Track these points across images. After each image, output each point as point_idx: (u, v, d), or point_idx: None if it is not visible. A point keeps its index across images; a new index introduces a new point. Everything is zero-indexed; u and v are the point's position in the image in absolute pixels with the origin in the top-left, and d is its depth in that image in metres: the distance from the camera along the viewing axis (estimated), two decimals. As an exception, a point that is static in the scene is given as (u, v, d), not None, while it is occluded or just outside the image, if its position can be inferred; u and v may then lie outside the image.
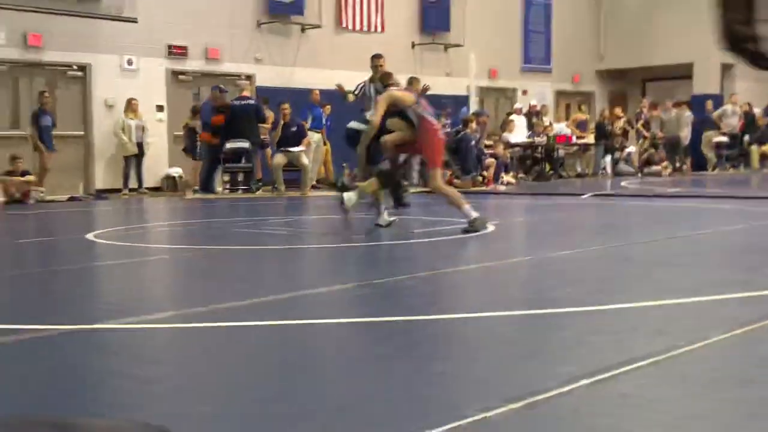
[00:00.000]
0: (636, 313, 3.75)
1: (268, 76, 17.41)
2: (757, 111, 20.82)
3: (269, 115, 15.59)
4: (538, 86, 22.89)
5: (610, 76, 24.66)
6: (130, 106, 14.92)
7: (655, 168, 19.39)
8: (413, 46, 19.58)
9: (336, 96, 13.07)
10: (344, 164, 16.61)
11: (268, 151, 15.42)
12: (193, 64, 16.57)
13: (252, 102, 15.14)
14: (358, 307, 4.17)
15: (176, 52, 16.25)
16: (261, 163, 15.42)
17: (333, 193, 7.48)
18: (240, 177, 15.66)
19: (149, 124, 15.45)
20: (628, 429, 2.24)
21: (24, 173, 13.44)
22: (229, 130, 14.97)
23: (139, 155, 15.06)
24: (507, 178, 16.49)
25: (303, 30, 17.95)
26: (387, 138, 7.50)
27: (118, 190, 14.94)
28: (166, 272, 5.85)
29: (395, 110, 7.54)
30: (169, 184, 15.92)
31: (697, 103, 21.53)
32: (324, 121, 16.61)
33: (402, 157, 7.88)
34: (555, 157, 18.99)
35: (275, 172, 14.85)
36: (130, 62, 15.62)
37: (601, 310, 3.77)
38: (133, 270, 5.76)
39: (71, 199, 13.77)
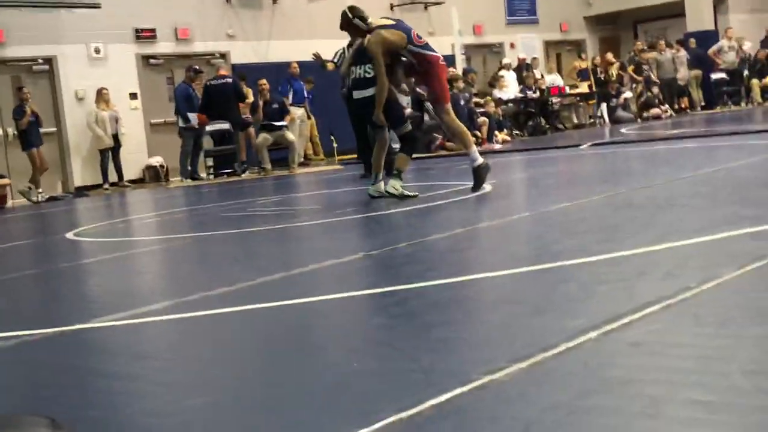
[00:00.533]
0: (644, 257, 3.69)
1: (243, 53, 17.29)
2: (748, 45, 20.66)
3: (247, 92, 15.49)
4: (525, 38, 22.75)
5: (600, 22, 24.52)
6: (101, 97, 14.82)
7: (654, 111, 19.32)
8: (392, 7, 19.45)
9: (316, 67, 13.00)
10: (332, 136, 16.53)
11: (251, 130, 15.31)
12: (164, 46, 16.45)
13: (229, 81, 15.03)
14: (353, 280, 4.11)
15: (144, 35, 16.13)
16: (246, 143, 15.33)
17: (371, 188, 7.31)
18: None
19: (124, 114, 15.35)
20: (641, 378, 2.19)
21: (-2, 176, 13.36)
22: (207, 112, 14.88)
23: (116, 147, 14.97)
24: (502, 136, 16.44)
25: (275, 1, 17.79)
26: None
27: (99, 186, 14.87)
28: (153, 264, 5.80)
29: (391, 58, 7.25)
30: (151, 175, 15.85)
31: (693, 39, 21.40)
32: (306, 95, 16.51)
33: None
34: (550, 110, 18.89)
35: (260, 151, 14.77)
36: (97, 50, 15.51)
37: (608, 259, 3.72)
38: (118, 264, 5.70)
39: (50, 198, 13.71)
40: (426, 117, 13.51)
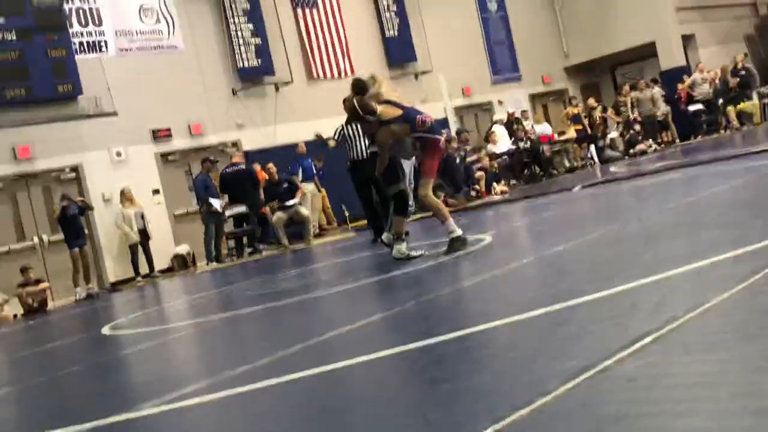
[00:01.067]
0: (634, 292, 3.66)
1: (252, 139, 17.49)
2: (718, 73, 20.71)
3: (267, 172, 15.58)
4: (511, 94, 22.92)
5: (579, 70, 24.71)
6: (125, 196, 14.94)
7: (639, 147, 19.32)
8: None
9: (320, 144, 13.09)
10: (343, 206, 16.60)
11: (266, 209, 15.41)
12: (179, 143, 16.65)
13: (243, 167, 15.16)
14: (366, 344, 4.08)
15: (161, 135, 16.34)
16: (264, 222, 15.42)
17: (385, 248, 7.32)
18: (245, 241, 15.65)
19: (149, 209, 15.46)
20: (637, 412, 2.15)
21: (37, 281, 13.42)
22: (230, 199, 15.04)
23: (145, 241, 15.04)
24: (499, 187, 16.45)
25: (277, 89, 18.05)
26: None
27: (131, 279, 14.91)
28: (184, 349, 5.78)
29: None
30: (179, 263, 15.89)
31: (667, 78, 21.54)
32: (314, 171, 16.63)
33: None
34: (542, 158, 18.93)
35: (277, 229, 14.83)
36: (118, 154, 15.69)
37: (600, 297, 3.68)
38: (152, 353, 5.68)
39: (88, 296, 13.73)
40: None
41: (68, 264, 13.94)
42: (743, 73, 20.19)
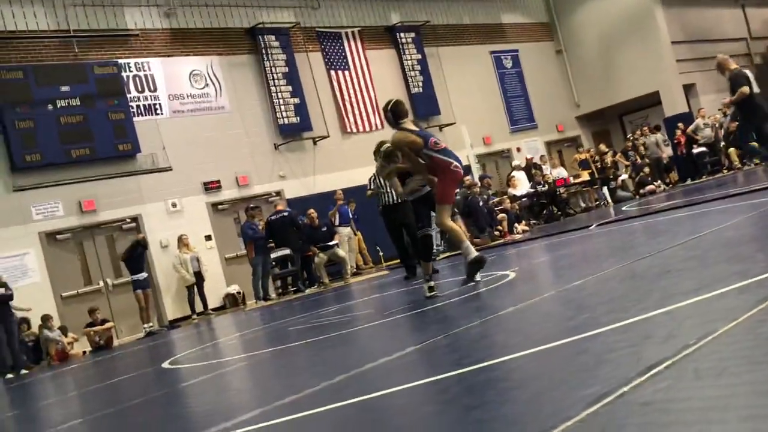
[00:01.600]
0: (647, 323, 3.63)
1: (294, 188, 17.66)
2: (721, 119, 20.60)
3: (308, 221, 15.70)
4: (528, 141, 22.95)
5: (590, 119, 24.72)
6: (182, 242, 15.12)
7: (649, 188, 19.20)
8: (412, 133, 19.74)
9: (358, 191, 13.06)
10: (377, 247, 16.62)
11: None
12: (228, 193, 16.85)
13: (286, 214, 15.31)
14: (402, 374, 4.09)
15: (211, 186, 16.56)
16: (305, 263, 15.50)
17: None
18: (289, 281, 15.73)
19: (203, 253, 15.62)
20: (653, 434, 2.15)
21: (103, 321, 13.56)
22: (273, 242, 15.16)
23: (200, 282, 15.18)
24: (521, 227, 16.39)
25: (315, 143, 18.25)
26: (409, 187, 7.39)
27: (188, 317, 15.02)
28: (241, 379, 5.81)
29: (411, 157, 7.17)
30: (230, 301, 15.99)
31: (670, 124, 21.47)
32: (351, 215, 16.72)
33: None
34: (559, 199, 18.87)
35: (318, 269, 14.90)
36: (174, 205, 15.91)
37: (616, 328, 3.66)
38: (211, 384, 5.72)
39: (149, 334, 13.84)
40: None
41: (131, 304, 14.09)
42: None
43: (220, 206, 16.77)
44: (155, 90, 16.16)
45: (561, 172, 20.40)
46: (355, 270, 16.38)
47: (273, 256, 15.21)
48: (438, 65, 21.11)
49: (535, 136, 23.25)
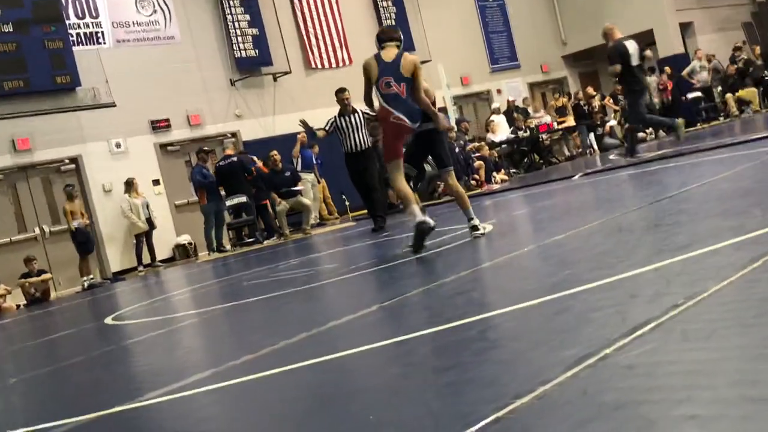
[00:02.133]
0: (634, 280, 3.69)
1: (251, 130, 17.50)
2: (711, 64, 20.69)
3: (261, 167, 15.61)
4: (510, 83, 22.91)
5: (577, 59, 24.70)
6: (133, 186, 14.97)
7: (639, 135, 19.30)
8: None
9: (310, 134, 12.80)
10: (343, 195, 16.61)
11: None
12: (178, 133, 16.67)
13: (235, 159, 15.18)
14: (368, 334, 4.12)
15: (160, 125, 16.36)
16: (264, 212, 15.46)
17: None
18: (246, 231, 15.69)
19: (150, 199, 15.51)
20: (636, 399, 2.18)
21: (40, 272, 13.46)
22: (226, 190, 15.06)
23: (149, 231, 15.10)
24: (499, 176, 16.47)
25: (275, 79, 18.05)
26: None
27: (134, 269, 14.95)
28: (185, 339, 5.81)
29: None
30: (181, 252, 15.94)
31: (666, 65, 21.50)
32: (314, 161, 16.65)
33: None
34: (541, 147, 18.95)
35: (279, 218, 14.86)
36: (118, 145, 15.72)
37: (600, 285, 3.71)
38: (154, 343, 5.72)
39: (90, 287, 13.77)
40: (428, 167, 13.56)
41: (72, 252, 13.99)
42: (742, 59, 20.18)
43: (169, 147, 16.58)
44: (97, 16, 15.80)
45: (544, 117, 20.45)
46: (318, 221, 16.37)
47: (228, 203, 15.13)
48: (413, -5, 20.91)
49: (517, 77, 23.21)
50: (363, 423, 2.59)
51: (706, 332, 2.66)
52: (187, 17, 17.01)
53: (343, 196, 16.69)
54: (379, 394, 2.95)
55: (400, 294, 5.01)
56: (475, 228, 6.95)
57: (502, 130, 19.07)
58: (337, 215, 17.34)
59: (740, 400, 2.00)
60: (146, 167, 15.91)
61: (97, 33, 15.76)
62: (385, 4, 20.44)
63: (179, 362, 4.77)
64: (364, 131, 11.05)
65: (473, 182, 15.60)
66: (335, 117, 11.01)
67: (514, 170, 18.09)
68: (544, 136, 19.17)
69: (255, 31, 17.80)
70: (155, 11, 16.63)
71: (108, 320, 7.66)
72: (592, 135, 19.72)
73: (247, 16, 17.77)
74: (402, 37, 7.24)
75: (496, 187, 15.22)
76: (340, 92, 11.12)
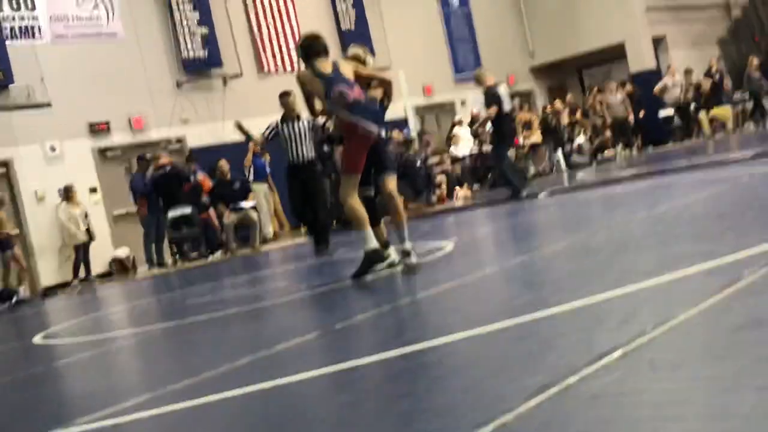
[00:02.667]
0: (601, 305, 3.73)
1: (198, 135, 17.37)
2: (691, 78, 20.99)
3: (202, 179, 15.46)
4: (475, 94, 23.06)
5: (545, 71, 24.96)
6: (70, 194, 14.76)
7: (607, 153, 19.58)
8: (341, 77, 19.59)
9: (246, 140, 12.34)
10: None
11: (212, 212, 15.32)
12: (119, 138, 16.49)
13: (167, 169, 15.00)
14: (318, 358, 4.11)
15: (99, 128, 16.18)
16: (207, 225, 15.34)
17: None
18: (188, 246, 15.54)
19: (87, 208, 15.30)
20: (601, 431, 2.21)
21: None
22: (163, 202, 14.94)
23: (87, 243, 14.90)
24: (462, 192, 16.56)
25: (225, 82, 17.96)
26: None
27: (66, 284, 14.72)
28: (127, 358, 5.75)
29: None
30: (118, 267, 15.75)
31: (638, 82, 21.83)
32: (267, 170, 16.53)
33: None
34: (506, 162, 19.03)
35: (227, 232, 14.75)
36: (53, 148, 15.50)
37: (566, 310, 3.75)
38: (91, 363, 5.65)
39: (17, 303, 13.51)
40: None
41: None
42: (717, 76, 20.54)
43: (108, 153, 16.38)
44: (33, 8, 15.60)
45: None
46: (270, 236, 16.27)
47: (171, 215, 14.99)
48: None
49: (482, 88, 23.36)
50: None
51: (675, 361, 2.70)
52: (131, 13, 16.88)
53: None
54: (328, 424, 2.94)
55: (353, 316, 5.00)
56: (406, 254, 6.41)
57: (465, 143, 19.19)
58: (288, 229, 17.26)
59: (709, 434, 2.04)
60: (83, 174, 15.69)
61: (32, 27, 15.55)
62: (343, 6, 20.49)
63: (114, 385, 4.70)
64: (309, 141, 10.38)
65: (434, 198, 15.67)
66: (277, 122, 10.56)
67: (477, 185, 18.20)
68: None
69: (204, 30, 17.71)
70: (97, 5, 16.47)
71: (37, 339, 7.53)
72: (559, 151, 19.92)
73: (197, 14, 17.68)
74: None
75: (458, 203, 15.30)
76: (285, 95, 10.59)
